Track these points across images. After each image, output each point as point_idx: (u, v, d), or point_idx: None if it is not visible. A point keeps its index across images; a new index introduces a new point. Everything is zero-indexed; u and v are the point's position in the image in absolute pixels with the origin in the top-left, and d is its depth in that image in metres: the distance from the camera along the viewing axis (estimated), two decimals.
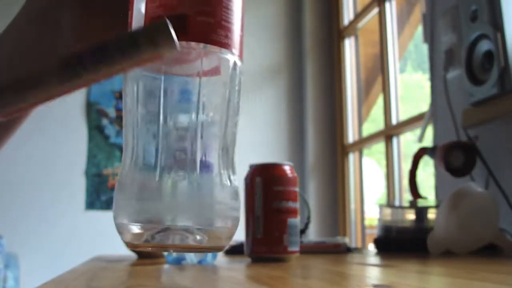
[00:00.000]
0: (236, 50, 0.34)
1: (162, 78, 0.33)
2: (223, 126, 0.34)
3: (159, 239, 0.32)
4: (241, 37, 0.35)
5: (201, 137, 0.33)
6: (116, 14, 0.41)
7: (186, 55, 0.33)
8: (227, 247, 0.36)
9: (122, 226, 0.33)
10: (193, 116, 0.33)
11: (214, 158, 0.34)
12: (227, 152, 0.34)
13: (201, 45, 0.33)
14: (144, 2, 0.33)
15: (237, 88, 0.35)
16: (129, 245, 0.34)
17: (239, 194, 0.35)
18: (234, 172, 0.35)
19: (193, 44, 0.32)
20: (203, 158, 0.33)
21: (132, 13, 0.34)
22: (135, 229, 0.33)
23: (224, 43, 0.33)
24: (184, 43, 0.32)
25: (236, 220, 0.35)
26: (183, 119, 0.33)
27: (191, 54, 0.33)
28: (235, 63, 0.34)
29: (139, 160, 0.33)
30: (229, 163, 0.35)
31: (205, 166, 0.33)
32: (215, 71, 0.34)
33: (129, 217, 0.33)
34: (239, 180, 0.36)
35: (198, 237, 0.32)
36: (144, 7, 0.33)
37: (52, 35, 0.43)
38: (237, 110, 0.35)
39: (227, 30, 0.34)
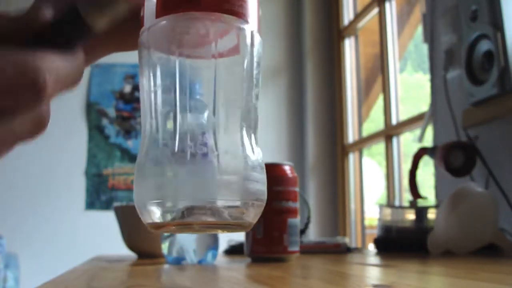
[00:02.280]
0: (252, 21, 0.33)
1: (178, 60, 0.32)
2: (243, 101, 0.33)
3: (184, 217, 0.31)
4: (258, 11, 0.34)
5: (221, 113, 0.32)
6: (132, 16, 0.41)
7: (202, 28, 0.32)
8: (252, 226, 0.33)
9: (144, 207, 0.32)
10: (212, 92, 0.32)
11: (235, 132, 0.32)
12: (249, 125, 0.33)
13: (215, 15, 0.31)
14: None
15: (256, 60, 0.33)
16: (152, 225, 0.32)
17: (264, 168, 0.34)
18: (257, 144, 0.34)
19: (206, 14, 0.31)
20: (224, 132, 0.32)
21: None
22: (157, 209, 0.31)
23: (239, 12, 0.32)
24: (198, 13, 0.31)
25: (262, 194, 0.33)
26: (201, 96, 0.32)
27: (206, 26, 0.32)
28: (252, 34, 0.33)
29: (158, 140, 0.32)
30: (251, 135, 0.33)
31: (226, 140, 0.32)
32: (233, 50, 0.33)
33: (150, 197, 0.32)
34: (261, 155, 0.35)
35: (224, 214, 0.31)
36: None
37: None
38: (258, 82, 0.34)
39: (242, 0, 0.33)
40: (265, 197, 0.34)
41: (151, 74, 0.33)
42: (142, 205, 0.32)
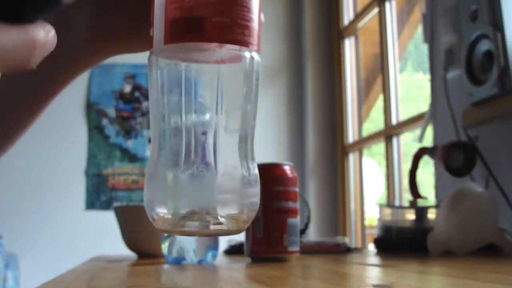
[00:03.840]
0: (253, 46, 0.36)
1: (183, 66, 0.35)
2: (242, 116, 0.36)
3: (187, 223, 0.35)
4: (259, 30, 0.37)
5: (222, 127, 0.36)
6: (132, 15, 0.41)
7: (205, 56, 0.35)
8: (243, 230, 0.39)
9: (153, 212, 0.36)
10: (213, 106, 0.35)
11: (234, 153, 0.36)
12: (246, 141, 0.37)
13: (217, 45, 0.34)
14: (164, 3, 0.35)
15: (255, 78, 0.37)
16: (159, 227, 0.37)
17: (258, 181, 0.37)
18: (253, 160, 0.37)
19: (209, 45, 0.34)
20: (224, 152, 0.36)
21: (153, 12, 0.36)
22: (163, 214, 0.36)
23: (241, 41, 0.35)
24: (201, 44, 0.34)
25: (255, 205, 0.37)
26: (203, 110, 0.36)
27: (210, 55, 0.35)
28: (252, 57, 0.36)
29: (165, 149, 0.36)
30: (248, 151, 0.37)
31: (226, 161, 0.36)
32: (235, 74, 0.37)
33: (158, 204, 0.36)
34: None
35: (221, 221, 0.35)
36: (164, 8, 0.35)
37: (68, 36, 0.43)
38: (255, 99, 0.37)
39: (244, 27, 0.35)
40: (258, 205, 0.38)
41: (160, 89, 0.36)
42: (150, 211, 0.36)
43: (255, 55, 0.36)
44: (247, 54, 0.36)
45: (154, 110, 0.37)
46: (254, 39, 0.36)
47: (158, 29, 0.36)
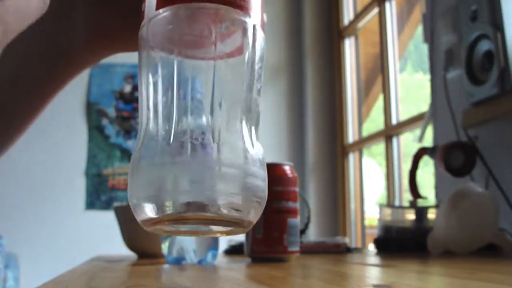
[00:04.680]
0: (255, 15, 0.32)
1: (178, 52, 0.31)
2: (244, 94, 0.32)
3: (180, 214, 0.29)
4: (262, 7, 0.33)
5: (221, 106, 0.31)
6: (131, 13, 0.41)
7: (203, 20, 0.31)
8: (251, 226, 0.32)
9: (137, 205, 0.31)
10: (211, 85, 0.31)
11: (235, 124, 0.31)
12: (249, 119, 0.32)
13: (216, 6, 0.31)
14: None
15: (258, 54, 0.32)
16: (146, 223, 0.31)
17: (264, 164, 0.32)
18: (258, 140, 0.33)
19: (208, 5, 0.31)
20: (223, 124, 0.31)
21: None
22: (152, 206, 0.30)
23: (242, 6, 0.31)
24: (199, 4, 0.30)
25: (262, 191, 0.32)
26: (200, 89, 0.31)
27: (207, 18, 0.31)
28: (254, 28, 0.32)
29: (154, 134, 0.31)
30: (252, 130, 0.32)
31: (225, 132, 0.31)
32: (235, 44, 0.32)
33: (145, 193, 0.30)
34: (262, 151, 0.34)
35: (222, 211, 0.30)
36: None
37: (65, 35, 0.43)
38: (260, 77, 0.33)
39: None
40: (265, 194, 0.32)
41: (150, 67, 0.32)
42: (136, 201, 0.31)
43: (257, 25, 0.33)
44: (249, 21, 0.32)
45: (143, 89, 0.32)
46: (257, 12, 0.33)
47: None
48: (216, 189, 0.29)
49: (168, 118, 0.30)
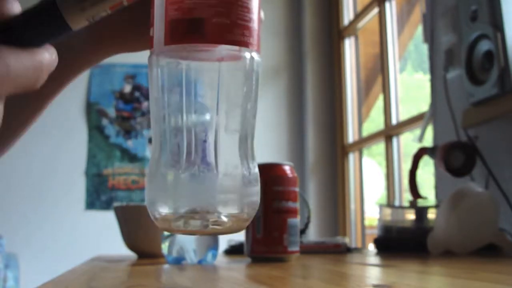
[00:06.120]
0: (253, 46, 0.36)
1: (184, 65, 0.36)
2: (242, 115, 0.37)
3: (188, 222, 0.36)
4: (259, 30, 0.37)
5: (222, 127, 0.36)
6: (132, 15, 0.41)
7: (205, 56, 0.35)
8: (243, 229, 0.40)
9: (155, 212, 0.36)
10: (213, 105, 0.36)
11: (234, 153, 0.36)
12: (246, 140, 0.37)
13: (217, 46, 0.35)
14: (164, 4, 0.35)
15: (255, 78, 0.37)
16: (163, 228, 0.38)
17: (258, 180, 0.38)
18: (253, 159, 0.38)
19: (209, 46, 0.35)
20: (225, 152, 0.36)
21: (153, 12, 0.36)
22: (165, 213, 0.36)
23: (241, 41, 0.35)
24: (201, 45, 0.34)
25: (256, 204, 0.37)
26: (204, 109, 0.36)
27: (210, 55, 0.35)
28: (252, 57, 0.36)
29: (166, 149, 0.36)
30: (248, 150, 0.37)
31: (227, 162, 0.36)
32: (235, 73, 0.37)
33: (160, 203, 0.36)
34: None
35: (222, 219, 0.36)
36: (164, 8, 0.35)
37: (67, 36, 0.43)
38: (255, 99, 0.37)
39: (244, 28, 0.35)
40: (258, 204, 0.38)
41: (160, 89, 0.36)
42: (152, 210, 0.37)
43: (255, 55, 0.36)
44: (247, 55, 0.36)
45: (154, 110, 0.37)
46: (254, 39, 0.36)
47: (158, 30, 0.36)
48: (218, 209, 0.36)
49: (179, 139, 0.36)
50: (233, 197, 0.36)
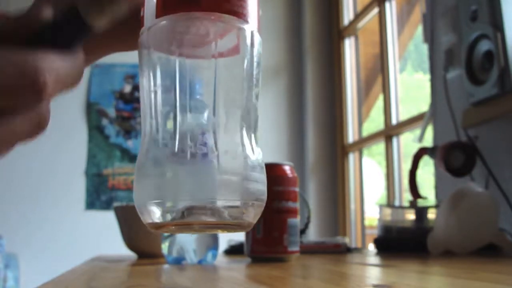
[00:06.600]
0: (252, 20, 0.33)
1: (178, 60, 0.32)
2: (243, 100, 0.33)
3: (184, 217, 0.31)
4: (258, 10, 0.34)
5: (221, 113, 0.32)
6: (130, 15, 0.41)
7: (202, 28, 0.32)
8: (252, 227, 0.34)
9: (144, 207, 0.32)
10: (212, 92, 0.32)
11: (235, 131, 0.33)
12: (249, 124, 0.33)
13: (214, 14, 0.32)
14: None
15: (256, 60, 0.34)
16: (152, 225, 0.32)
17: (264, 168, 0.34)
18: (257, 144, 0.34)
19: (206, 14, 0.32)
20: (224, 132, 0.32)
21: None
22: (156, 209, 0.32)
23: (239, 12, 0.32)
24: (198, 13, 0.32)
25: (262, 194, 0.33)
26: (201, 96, 0.33)
27: (206, 26, 0.32)
28: (252, 34, 0.33)
29: (158, 140, 0.32)
30: (251, 135, 0.33)
31: (226, 140, 0.32)
32: (233, 50, 0.33)
33: (150, 197, 0.32)
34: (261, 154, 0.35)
35: (223, 214, 0.31)
36: None
37: None
38: (258, 82, 0.34)
39: (243, 1, 0.33)
40: (265, 197, 0.34)
41: (151, 74, 0.33)
42: (142, 205, 0.32)
43: (255, 31, 0.34)
44: (247, 27, 0.33)
45: (144, 95, 0.33)
46: (254, 17, 0.33)
47: (149, 4, 0.33)
48: (218, 194, 0.31)
49: (171, 125, 0.32)
50: (235, 185, 0.32)
